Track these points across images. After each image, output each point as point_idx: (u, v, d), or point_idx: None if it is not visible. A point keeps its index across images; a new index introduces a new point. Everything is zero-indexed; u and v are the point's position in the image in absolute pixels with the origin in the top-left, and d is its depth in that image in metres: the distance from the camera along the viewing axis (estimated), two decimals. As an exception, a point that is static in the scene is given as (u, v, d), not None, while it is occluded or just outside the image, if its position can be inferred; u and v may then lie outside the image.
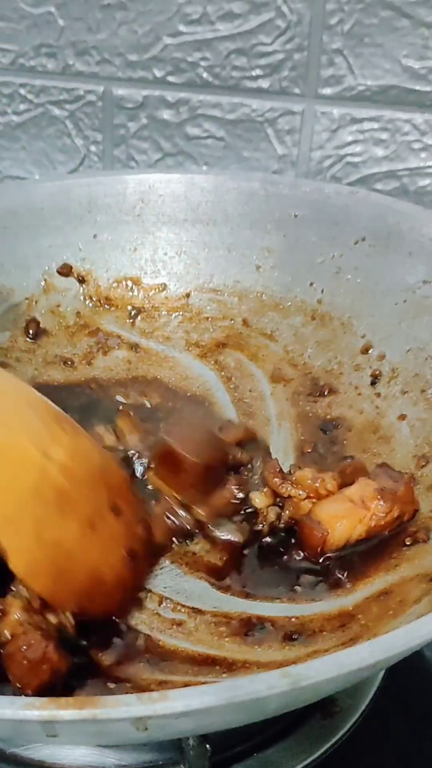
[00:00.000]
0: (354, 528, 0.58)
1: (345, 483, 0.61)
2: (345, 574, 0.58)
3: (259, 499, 0.61)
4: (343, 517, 0.59)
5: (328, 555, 0.59)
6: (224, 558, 0.59)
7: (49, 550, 0.50)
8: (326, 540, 0.58)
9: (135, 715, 0.36)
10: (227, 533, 0.60)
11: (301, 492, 0.60)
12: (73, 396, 0.76)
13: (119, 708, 0.36)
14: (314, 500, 0.60)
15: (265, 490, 0.62)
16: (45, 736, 0.38)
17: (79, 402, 0.75)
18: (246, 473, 0.65)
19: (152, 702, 0.36)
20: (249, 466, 0.66)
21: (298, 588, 0.57)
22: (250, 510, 0.62)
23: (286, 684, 0.37)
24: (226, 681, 0.44)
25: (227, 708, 0.37)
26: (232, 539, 0.60)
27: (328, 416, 0.72)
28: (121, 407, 0.72)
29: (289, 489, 0.61)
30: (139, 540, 0.57)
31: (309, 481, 0.61)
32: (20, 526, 0.50)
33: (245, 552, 0.60)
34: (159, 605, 0.56)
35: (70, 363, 0.79)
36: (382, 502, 0.59)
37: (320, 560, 0.58)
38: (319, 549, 0.58)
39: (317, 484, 0.60)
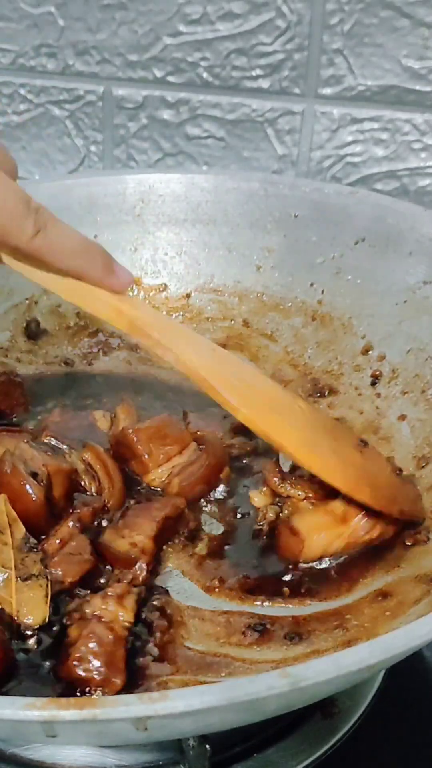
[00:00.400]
0: (331, 543, 0.58)
1: (321, 490, 0.61)
2: (342, 575, 0.57)
3: (258, 498, 0.61)
4: (322, 530, 0.58)
5: (302, 565, 0.58)
6: (223, 558, 0.59)
7: (352, 468, 0.59)
8: (301, 551, 0.58)
9: (135, 715, 0.36)
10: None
11: (300, 492, 0.60)
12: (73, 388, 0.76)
13: (119, 708, 0.36)
14: (313, 501, 0.60)
15: (264, 489, 0.62)
16: (45, 737, 0.38)
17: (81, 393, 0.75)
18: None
19: (152, 702, 0.36)
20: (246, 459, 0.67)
21: (296, 588, 0.57)
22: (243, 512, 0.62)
23: (286, 684, 0.37)
24: (226, 681, 0.43)
25: (227, 708, 0.37)
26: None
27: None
28: (123, 398, 0.72)
29: (288, 489, 0.61)
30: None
31: (308, 482, 0.60)
32: (321, 452, 0.59)
33: (244, 551, 0.60)
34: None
35: (70, 363, 0.79)
36: (364, 521, 0.58)
37: (295, 568, 0.58)
38: (293, 559, 0.58)
39: (316, 485, 0.60)
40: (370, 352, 0.73)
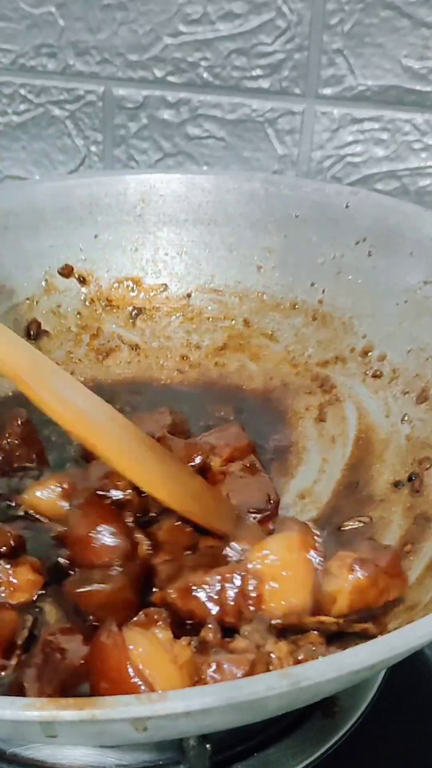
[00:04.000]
0: (333, 603, 0.54)
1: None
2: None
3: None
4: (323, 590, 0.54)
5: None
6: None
7: (181, 486, 0.60)
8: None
9: (134, 715, 0.36)
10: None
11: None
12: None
13: (118, 708, 0.36)
14: None
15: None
16: (45, 737, 0.38)
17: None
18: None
19: (151, 702, 0.36)
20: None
21: None
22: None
23: (286, 685, 0.37)
24: (225, 682, 0.43)
25: (227, 708, 0.37)
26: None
27: (329, 417, 0.72)
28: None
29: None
30: None
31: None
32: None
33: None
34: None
35: (71, 363, 0.79)
36: (361, 573, 0.54)
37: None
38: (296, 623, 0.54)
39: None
40: (370, 353, 0.73)
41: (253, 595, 0.52)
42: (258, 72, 0.89)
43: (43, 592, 0.57)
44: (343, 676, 0.38)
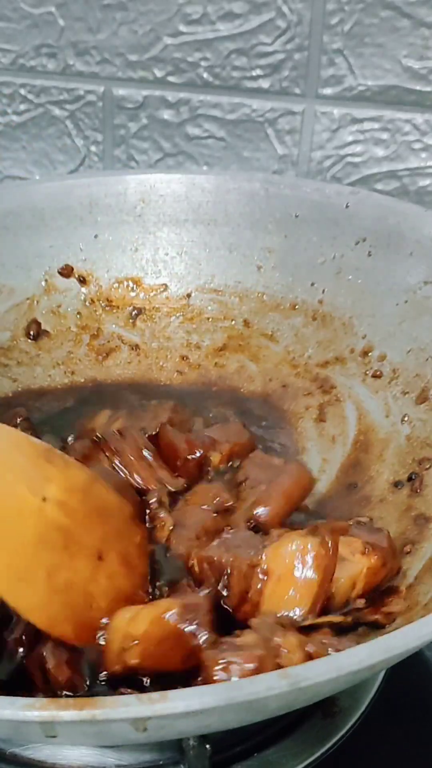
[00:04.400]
0: (353, 587, 0.56)
1: None
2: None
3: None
4: (345, 576, 0.55)
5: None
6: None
7: (64, 594, 0.49)
8: (330, 600, 0.55)
9: (134, 715, 0.36)
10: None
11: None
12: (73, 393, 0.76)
13: (118, 709, 0.36)
14: None
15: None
16: (44, 737, 0.38)
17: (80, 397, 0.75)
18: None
19: (152, 703, 0.36)
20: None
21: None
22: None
23: (286, 685, 0.37)
24: (225, 682, 0.43)
25: (227, 708, 0.37)
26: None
27: (329, 417, 0.72)
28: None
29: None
30: (139, 548, 0.57)
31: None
32: (33, 581, 0.48)
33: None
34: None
35: (70, 363, 0.79)
36: (375, 556, 0.56)
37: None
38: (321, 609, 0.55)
39: None
40: (370, 353, 0.73)
41: (258, 587, 0.53)
42: (258, 72, 0.89)
43: None
44: (343, 677, 0.38)
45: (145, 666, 0.48)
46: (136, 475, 0.63)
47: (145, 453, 0.64)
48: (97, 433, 0.65)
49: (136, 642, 0.48)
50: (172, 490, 0.63)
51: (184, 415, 0.71)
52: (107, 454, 0.64)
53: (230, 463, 0.66)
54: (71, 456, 0.58)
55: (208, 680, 0.46)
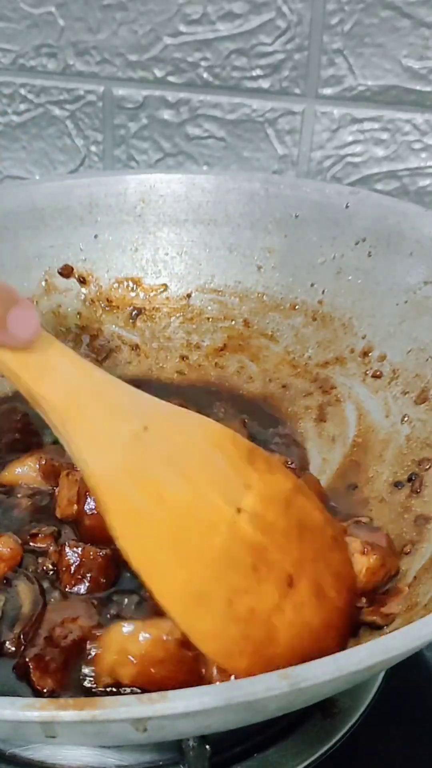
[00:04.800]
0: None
1: None
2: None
3: None
4: None
5: None
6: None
7: (244, 624, 0.43)
8: None
9: (134, 716, 0.36)
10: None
11: None
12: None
13: (118, 709, 0.36)
14: None
15: None
16: (44, 737, 0.38)
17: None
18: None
19: (152, 703, 0.36)
20: None
21: None
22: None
23: (286, 685, 0.37)
24: (225, 682, 0.43)
25: (227, 709, 0.37)
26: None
27: (329, 417, 0.72)
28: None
29: None
30: (338, 578, 0.49)
31: None
32: (212, 605, 0.42)
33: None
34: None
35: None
36: (374, 555, 0.56)
37: None
38: None
39: None
40: (370, 353, 0.73)
41: None
42: (258, 72, 0.89)
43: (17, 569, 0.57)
44: (343, 677, 0.38)
45: (137, 684, 0.46)
46: None
47: None
48: None
49: (133, 660, 0.45)
50: None
51: None
52: None
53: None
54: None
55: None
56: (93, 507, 0.56)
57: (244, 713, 0.41)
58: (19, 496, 0.63)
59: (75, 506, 0.58)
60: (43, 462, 0.64)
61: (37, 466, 0.64)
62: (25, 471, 0.64)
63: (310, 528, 0.48)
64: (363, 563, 0.56)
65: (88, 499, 0.57)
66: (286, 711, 0.45)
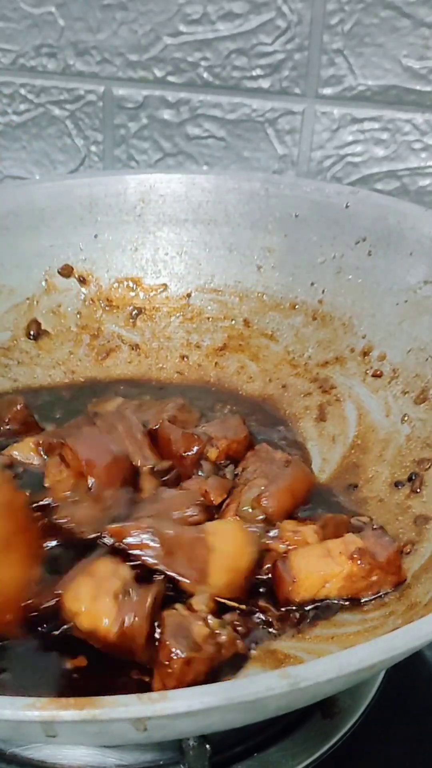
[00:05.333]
0: (322, 585, 0.56)
1: (326, 537, 0.59)
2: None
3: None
4: (316, 571, 0.56)
5: (291, 607, 0.56)
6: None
7: None
8: (293, 590, 0.56)
9: (134, 715, 0.36)
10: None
11: (281, 545, 0.59)
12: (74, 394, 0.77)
13: (119, 708, 0.36)
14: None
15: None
16: (45, 737, 0.38)
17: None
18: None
19: (152, 702, 0.36)
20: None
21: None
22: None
23: (286, 685, 0.37)
24: (225, 682, 0.43)
25: (227, 708, 0.37)
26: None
27: (329, 416, 0.72)
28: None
29: (268, 542, 0.59)
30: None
31: (290, 533, 0.59)
32: None
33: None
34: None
35: (71, 363, 0.79)
36: (360, 563, 0.56)
37: (283, 609, 0.56)
38: (284, 598, 0.56)
39: (297, 537, 0.58)
40: (370, 352, 0.73)
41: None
42: (258, 72, 0.89)
43: None
44: (343, 676, 0.38)
45: None
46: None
47: (137, 434, 0.66)
48: (95, 411, 0.69)
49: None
50: (156, 467, 0.64)
51: (190, 415, 0.71)
52: (103, 431, 0.65)
53: (227, 460, 0.66)
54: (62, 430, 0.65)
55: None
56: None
57: (245, 713, 0.41)
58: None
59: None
60: (41, 441, 0.66)
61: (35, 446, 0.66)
62: (25, 452, 0.66)
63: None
64: (344, 567, 0.56)
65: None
66: (287, 710, 0.45)
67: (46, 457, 0.65)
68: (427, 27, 0.83)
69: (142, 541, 0.55)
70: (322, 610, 0.56)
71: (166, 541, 0.55)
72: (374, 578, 0.56)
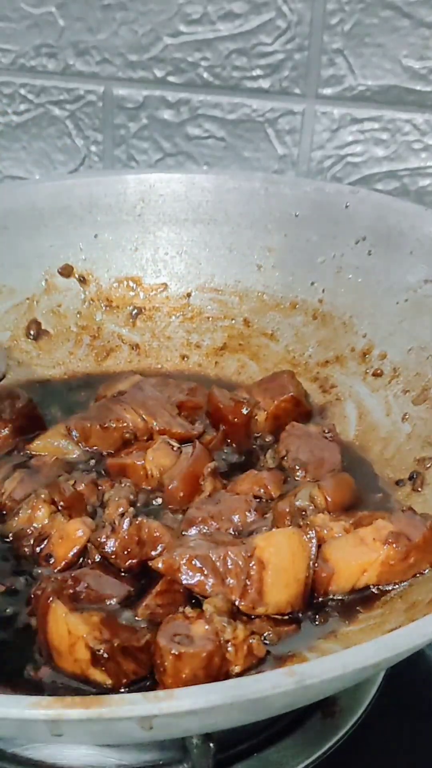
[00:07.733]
0: (361, 573, 0.55)
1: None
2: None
3: None
4: (354, 560, 0.55)
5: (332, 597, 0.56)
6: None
7: None
8: (332, 582, 0.55)
9: (140, 714, 0.36)
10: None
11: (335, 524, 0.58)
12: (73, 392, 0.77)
13: (125, 707, 0.36)
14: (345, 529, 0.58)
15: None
16: (50, 735, 0.38)
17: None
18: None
19: (158, 701, 0.36)
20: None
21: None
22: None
23: (292, 683, 0.37)
24: (231, 680, 0.43)
25: (232, 707, 0.37)
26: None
27: (330, 416, 0.72)
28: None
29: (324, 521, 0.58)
30: None
31: (318, 528, 0.57)
32: None
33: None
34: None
35: (71, 363, 0.79)
36: (396, 546, 0.55)
37: (323, 600, 0.56)
38: (322, 590, 0.56)
39: (326, 532, 0.57)
40: (371, 352, 0.73)
41: (253, 573, 0.54)
42: (258, 72, 0.89)
43: None
44: (348, 674, 0.39)
45: None
46: (158, 420, 0.68)
47: (167, 406, 0.69)
48: (120, 389, 0.71)
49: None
50: (194, 433, 0.68)
51: (199, 399, 0.72)
52: (132, 407, 0.68)
53: (275, 428, 0.69)
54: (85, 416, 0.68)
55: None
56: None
57: (250, 710, 0.41)
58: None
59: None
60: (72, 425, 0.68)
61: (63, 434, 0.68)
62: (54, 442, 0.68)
63: None
64: (380, 552, 0.55)
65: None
66: (291, 708, 0.45)
67: (80, 443, 0.67)
68: (427, 27, 0.83)
69: (193, 578, 0.54)
70: (323, 610, 0.56)
71: (218, 572, 0.54)
72: (412, 560, 0.55)
